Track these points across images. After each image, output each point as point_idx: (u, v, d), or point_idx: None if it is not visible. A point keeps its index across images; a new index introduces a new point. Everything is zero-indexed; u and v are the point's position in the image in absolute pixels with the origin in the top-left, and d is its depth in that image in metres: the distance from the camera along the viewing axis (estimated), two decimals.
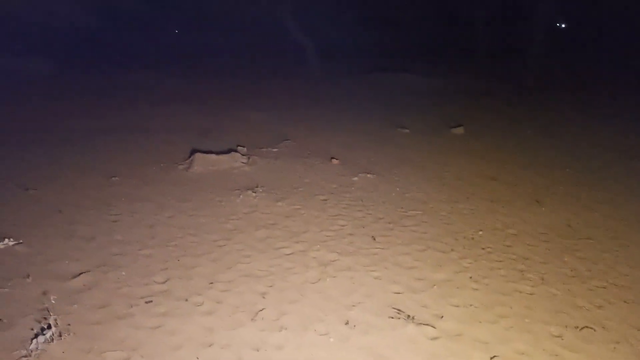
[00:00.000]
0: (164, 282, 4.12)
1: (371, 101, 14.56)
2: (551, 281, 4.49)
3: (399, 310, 3.82)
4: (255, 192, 6.27)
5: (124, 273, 4.25)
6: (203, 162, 7.30)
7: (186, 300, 3.88)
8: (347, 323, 3.63)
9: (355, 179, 7.12)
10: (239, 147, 8.16)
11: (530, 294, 4.25)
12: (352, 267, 4.49)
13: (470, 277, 4.45)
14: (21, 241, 4.69)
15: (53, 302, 3.68)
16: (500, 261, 4.83)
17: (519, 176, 7.62)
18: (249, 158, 7.67)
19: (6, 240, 4.71)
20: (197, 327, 3.53)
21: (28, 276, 4.12)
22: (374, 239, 5.15)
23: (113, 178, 6.71)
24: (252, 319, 3.65)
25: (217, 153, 7.58)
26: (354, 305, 3.85)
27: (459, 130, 10.50)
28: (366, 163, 7.95)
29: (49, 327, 3.36)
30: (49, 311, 3.56)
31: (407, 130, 10.45)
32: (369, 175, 7.26)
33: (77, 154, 7.81)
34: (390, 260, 4.70)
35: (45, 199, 5.85)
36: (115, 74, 17.84)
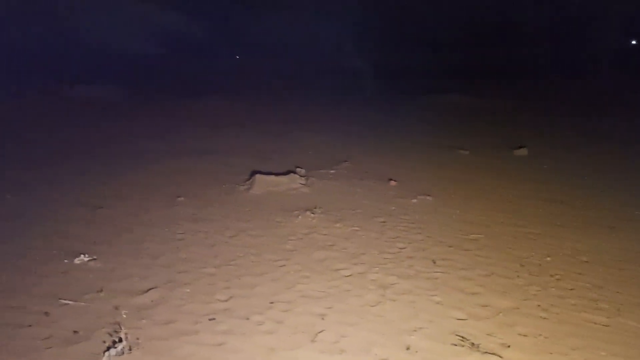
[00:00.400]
0: (226, 300, 4.22)
1: (426, 122, 14.40)
2: (628, 312, 4.19)
3: (462, 337, 3.69)
4: (313, 213, 6.33)
5: (188, 290, 4.40)
6: (263, 184, 7.47)
7: (247, 319, 3.95)
8: (408, 348, 3.54)
9: (414, 201, 7.02)
10: (298, 169, 8.30)
11: (605, 326, 3.97)
12: (412, 291, 4.40)
13: (539, 306, 4.23)
14: (95, 257, 4.98)
15: (124, 316, 3.86)
16: (571, 289, 4.56)
17: (590, 200, 7.22)
18: (307, 179, 7.77)
19: (82, 256, 5.01)
20: (258, 347, 3.57)
21: (101, 290, 4.35)
22: (434, 263, 5.03)
23: (178, 198, 7.01)
24: (311, 340, 3.65)
25: (277, 174, 7.75)
26: (415, 330, 3.76)
27: (522, 152, 10.14)
28: (425, 185, 7.83)
29: (120, 340, 3.51)
30: (120, 325, 3.74)
31: (467, 152, 10.22)
32: (428, 197, 7.14)
33: (145, 175, 8.24)
34: (452, 285, 4.57)
35: (117, 217, 6.20)
36: (179, 100, 18.76)
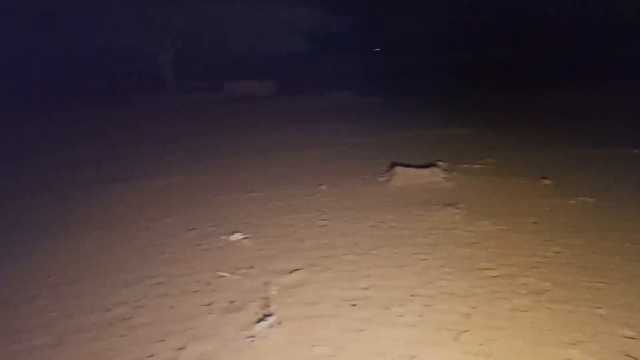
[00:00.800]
0: (366, 288, 4.26)
1: (583, 118, 12.90)
2: None
3: (634, 358, 3.23)
4: (457, 209, 6.09)
5: (330, 275, 4.54)
6: (403, 176, 7.39)
7: (388, 309, 3.94)
8: None
9: (572, 202, 6.34)
10: (439, 162, 8.04)
11: None
12: (571, 301, 3.98)
13: None
14: (248, 236, 5.41)
15: (274, 293, 4.13)
16: None
17: None
18: (450, 173, 7.50)
19: (236, 234, 5.49)
20: (399, 338, 3.54)
21: (252, 267, 4.71)
22: (597, 272, 4.48)
23: (320, 186, 7.28)
24: (455, 339, 3.50)
25: (418, 167, 7.60)
26: (575, 344, 3.39)
27: None
28: (585, 185, 7.02)
29: (270, 315, 3.77)
30: (269, 300, 4.01)
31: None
32: (589, 200, 6.38)
33: (291, 164, 8.72)
34: (620, 299, 4.02)
35: (267, 201, 6.65)
36: (319, 94, 19.45)
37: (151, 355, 3.38)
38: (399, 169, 7.53)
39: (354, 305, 4.01)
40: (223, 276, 4.53)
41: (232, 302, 4.07)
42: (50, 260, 4.95)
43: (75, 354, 3.43)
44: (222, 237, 5.46)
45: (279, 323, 3.69)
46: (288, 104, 18.06)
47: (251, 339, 3.53)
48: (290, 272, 4.57)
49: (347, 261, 4.82)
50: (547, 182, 7.15)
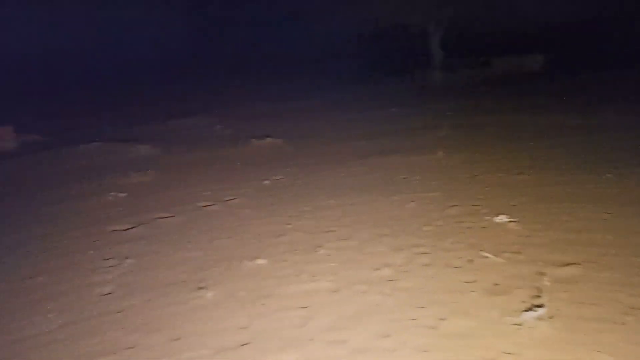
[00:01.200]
0: None
1: None
2: None
3: None
4: None
5: (614, 276, 3.92)
6: None
7: None
8: None
9: None
10: None
11: None
12: None
13: None
14: (515, 220, 5.11)
15: (546, 284, 3.82)
16: None
17: None
18: None
19: (501, 216, 5.25)
20: None
21: (519, 252, 4.44)
22: None
23: (607, 175, 6.32)
24: None
25: None
26: None
27: None
28: None
29: (540, 306, 3.50)
30: (539, 290, 3.72)
31: None
32: None
33: (562, 146, 7.84)
34: None
35: (536, 186, 6.15)
36: (603, 72, 16.51)
37: (414, 319, 3.56)
38: None
39: None
40: (486, 257, 4.41)
41: (496, 284, 3.93)
42: (332, 217, 5.67)
43: (349, 301, 3.88)
44: (486, 217, 5.30)
45: (550, 317, 3.40)
46: (561, 80, 16.05)
47: (517, 326, 3.36)
48: (564, 265, 4.13)
49: (636, 263, 4.09)
50: None
